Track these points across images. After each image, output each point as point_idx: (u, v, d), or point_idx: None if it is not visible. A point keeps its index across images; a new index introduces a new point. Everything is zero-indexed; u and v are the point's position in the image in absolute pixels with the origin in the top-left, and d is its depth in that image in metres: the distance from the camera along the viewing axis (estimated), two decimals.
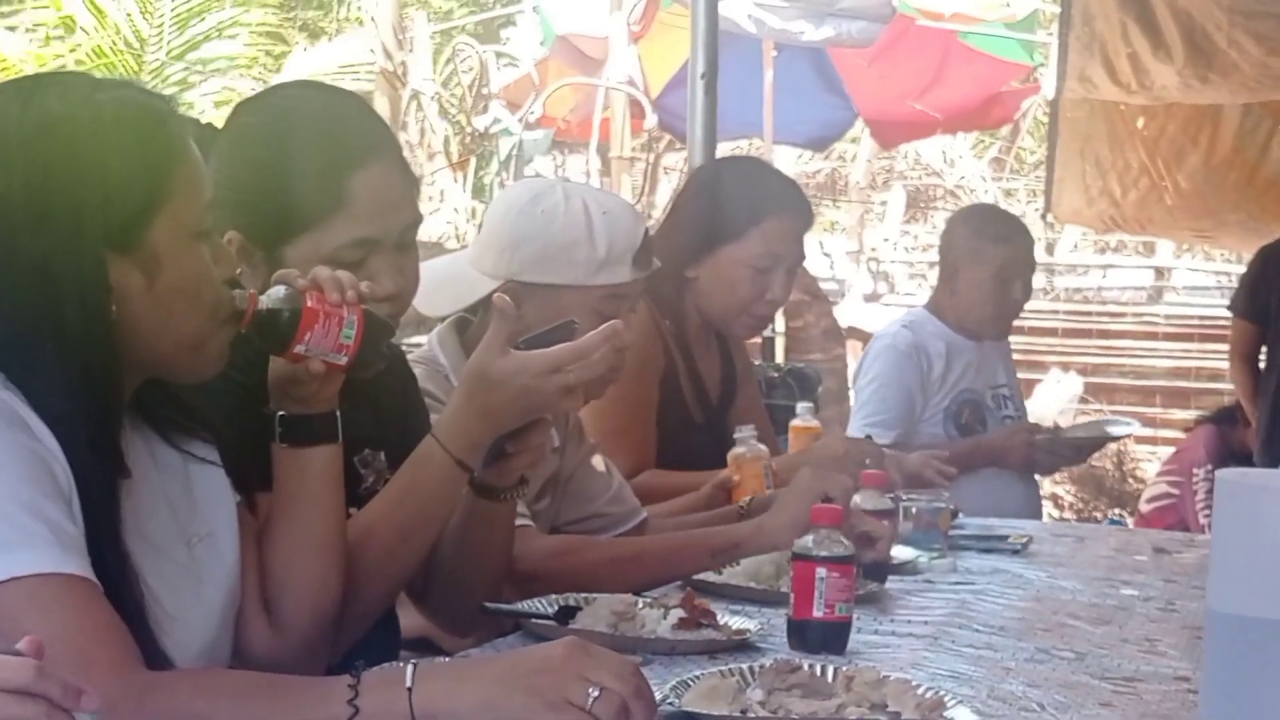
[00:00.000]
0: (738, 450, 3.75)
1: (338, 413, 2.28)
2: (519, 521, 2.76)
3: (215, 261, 2.09)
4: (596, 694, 1.82)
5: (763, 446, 3.78)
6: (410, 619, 2.78)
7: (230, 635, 2.21)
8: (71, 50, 12.05)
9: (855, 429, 5.00)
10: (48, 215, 1.96)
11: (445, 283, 3.12)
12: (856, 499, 3.22)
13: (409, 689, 1.84)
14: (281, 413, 2.26)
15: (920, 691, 2.19)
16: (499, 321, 2.43)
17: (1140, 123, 8.42)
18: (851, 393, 5.60)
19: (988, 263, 5.21)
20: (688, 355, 4.05)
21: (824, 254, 16.83)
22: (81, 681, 1.49)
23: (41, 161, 1.97)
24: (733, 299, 4.04)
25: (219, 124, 2.69)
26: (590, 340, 2.44)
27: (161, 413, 2.18)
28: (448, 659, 2.03)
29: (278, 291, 2.15)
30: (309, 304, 2.15)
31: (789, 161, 17.96)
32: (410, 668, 1.86)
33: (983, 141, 20.20)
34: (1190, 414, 10.05)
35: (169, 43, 12.72)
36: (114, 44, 12.56)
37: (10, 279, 1.92)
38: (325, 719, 1.82)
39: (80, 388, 1.96)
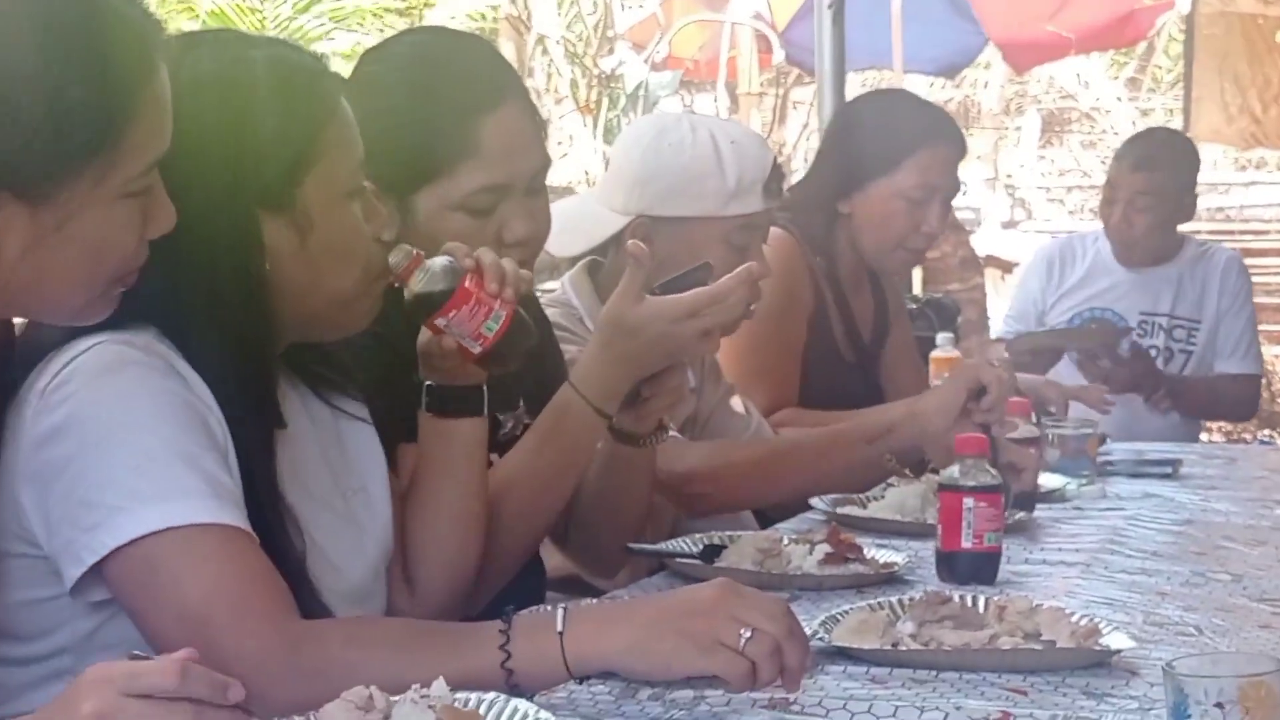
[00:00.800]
0: (936, 352, 3.71)
1: (484, 387, 2.26)
2: (669, 434, 2.73)
3: (368, 219, 2.09)
4: (749, 635, 1.79)
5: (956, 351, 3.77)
6: (556, 559, 2.78)
7: (384, 588, 2.22)
8: (185, 10, 12.12)
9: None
10: (202, 173, 1.95)
11: (574, 222, 3.10)
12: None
13: (560, 633, 1.82)
14: (429, 382, 2.25)
15: (1074, 619, 2.15)
16: (633, 268, 2.41)
17: (1278, 36, 8.25)
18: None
19: (1113, 191, 5.28)
20: (839, 294, 4.01)
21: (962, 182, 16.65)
22: (227, 676, 1.49)
23: (196, 119, 1.94)
24: (888, 233, 3.98)
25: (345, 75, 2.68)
26: (725, 284, 2.42)
27: (313, 368, 2.19)
28: (597, 601, 2.01)
29: (440, 261, 2.13)
30: (466, 284, 2.12)
31: (920, 90, 17.78)
32: (561, 611, 1.84)
33: (1117, 62, 19.87)
34: None
35: None
36: (235, 2, 12.63)
37: (167, 236, 1.92)
38: (479, 665, 1.81)
39: (234, 343, 1.97)
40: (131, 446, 1.85)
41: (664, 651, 1.80)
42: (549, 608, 1.90)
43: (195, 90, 1.97)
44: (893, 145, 3.98)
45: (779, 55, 10.66)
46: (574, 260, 3.23)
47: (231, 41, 2.10)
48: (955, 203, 4.27)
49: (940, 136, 4.05)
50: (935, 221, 4.00)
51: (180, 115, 1.89)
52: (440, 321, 2.13)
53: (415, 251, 2.12)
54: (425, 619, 2.22)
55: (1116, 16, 11.48)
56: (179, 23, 11.93)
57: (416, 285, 2.12)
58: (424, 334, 2.21)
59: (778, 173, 3.22)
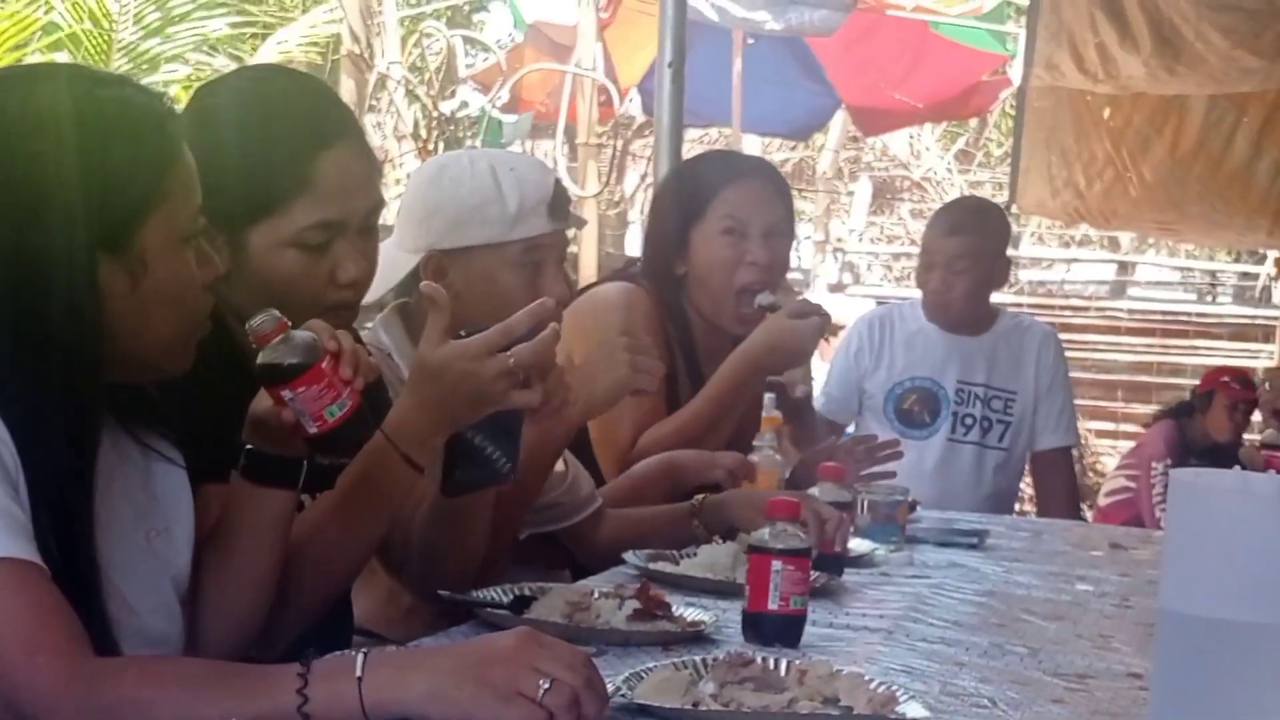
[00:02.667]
0: (753, 458, 3.71)
1: (304, 462, 2.22)
2: None
3: (200, 265, 2.08)
4: (547, 685, 1.80)
5: (779, 457, 3.73)
6: (359, 608, 2.77)
7: (181, 630, 2.20)
8: (30, 26, 11.93)
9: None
10: (41, 211, 1.94)
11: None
12: (814, 491, 3.22)
13: (359, 679, 1.82)
14: (250, 446, 2.22)
15: (873, 686, 2.19)
16: (433, 311, 2.42)
17: (1106, 113, 8.42)
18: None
19: (931, 254, 5.32)
20: (691, 359, 4.04)
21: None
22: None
23: (39, 156, 1.95)
24: (716, 276, 3.99)
25: (183, 101, 2.67)
26: (517, 317, 2.43)
27: (126, 406, 2.17)
28: (397, 648, 2.01)
29: (303, 335, 2.12)
30: (322, 364, 2.11)
31: (755, 150, 17.94)
32: (360, 656, 1.84)
33: (950, 133, 20.20)
34: (1152, 408, 10.09)
35: (138, 20, 12.62)
36: (79, 18, 12.45)
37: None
38: (275, 708, 1.80)
39: (58, 382, 1.94)
40: None
41: (462, 699, 1.81)
42: (351, 652, 1.89)
43: (40, 127, 1.97)
44: (700, 193, 4.02)
45: (633, 105, 10.73)
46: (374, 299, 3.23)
47: (79, 78, 2.08)
48: None
49: (743, 173, 4.10)
50: (760, 253, 3.98)
51: (25, 151, 1.89)
52: (286, 394, 2.11)
53: (281, 319, 2.11)
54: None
55: (963, 88, 11.70)
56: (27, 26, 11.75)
57: (273, 353, 2.11)
58: (263, 400, 2.17)
59: (562, 194, 3.22)
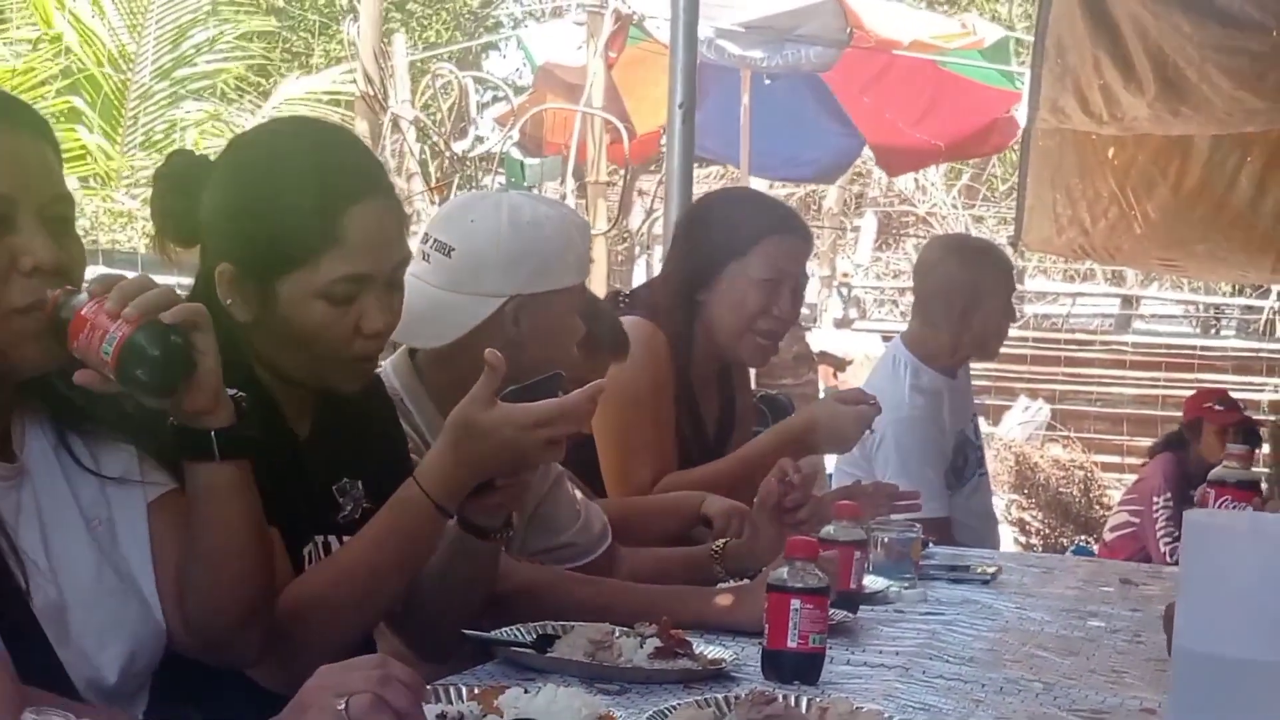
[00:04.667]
0: None
1: (212, 433, 2.19)
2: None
3: (21, 249, 2.10)
4: (343, 704, 1.87)
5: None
6: (385, 647, 2.80)
7: (139, 615, 2.24)
8: (53, 64, 12.05)
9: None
10: None
11: (432, 313, 3.09)
12: (830, 529, 3.26)
13: None
14: (171, 421, 2.22)
15: None
16: (487, 374, 2.46)
17: (1110, 153, 8.46)
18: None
19: (999, 294, 5.21)
20: (689, 393, 4.12)
21: None
22: None
23: None
24: (741, 315, 4.07)
25: (199, 147, 2.72)
26: (576, 398, 2.49)
27: (71, 406, 2.22)
28: None
29: (70, 294, 2.10)
30: (82, 311, 2.07)
31: (762, 189, 18.00)
32: None
33: (955, 170, 20.26)
34: None
35: (154, 62, 12.73)
36: (99, 61, 12.55)
37: None
38: None
39: None
40: None
41: None
42: None
43: None
44: (744, 232, 4.10)
45: (627, 149, 10.80)
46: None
47: None
48: None
49: (788, 227, 4.18)
50: (785, 306, 4.10)
51: None
52: (75, 354, 2.09)
53: (55, 293, 2.10)
54: (202, 650, 2.30)
55: (980, 126, 11.74)
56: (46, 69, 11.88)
57: (51, 321, 2.09)
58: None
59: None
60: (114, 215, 11.78)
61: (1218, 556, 1.85)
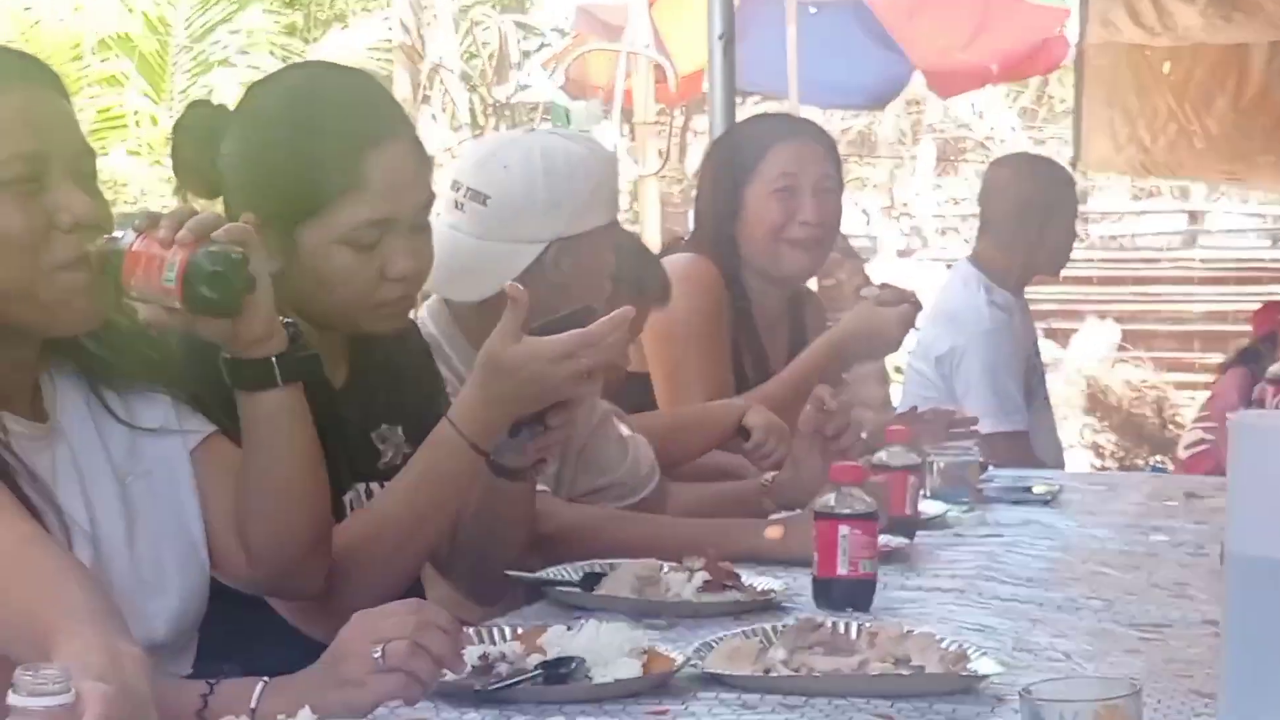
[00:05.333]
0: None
1: (273, 359, 2.18)
2: (538, 487, 2.76)
3: (58, 206, 2.07)
4: (379, 652, 1.88)
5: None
6: (435, 593, 2.78)
7: (181, 566, 2.22)
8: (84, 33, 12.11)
9: (984, 426, 4.69)
10: None
11: (475, 263, 3.06)
12: (881, 454, 3.22)
13: (252, 709, 1.91)
14: (225, 355, 2.21)
15: (944, 645, 2.19)
16: (511, 308, 2.43)
17: (1166, 67, 8.37)
18: (911, 355, 5.49)
19: (1067, 210, 5.23)
20: (749, 326, 4.06)
21: (860, 211, 16.82)
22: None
23: None
24: (767, 230, 4.01)
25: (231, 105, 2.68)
26: (601, 326, 2.45)
27: (101, 362, 2.20)
28: (298, 674, 2.03)
29: (116, 236, 2.09)
30: (133, 247, 2.07)
31: (815, 119, 17.87)
32: (260, 685, 1.92)
33: (1013, 91, 20.10)
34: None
35: (191, 24, 12.76)
36: (141, 27, 12.60)
37: None
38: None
39: None
40: None
41: (337, 707, 1.87)
42: (254, 681, 1.95)
43: None
44: (751, 150, 4.05)
45: (673, 85, 10.74)
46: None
47: None
48: (850, 230, 4.30)
49: (792, 133, 4.13)
50: (810, 211, 4.00)
51: None
52: (133, 293, 2.10)
53: (105, 239, 2.09)
54: (266, 582, 2.31)
55: (1032, 44, 11.62)
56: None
57: (104, 263, 2.08)
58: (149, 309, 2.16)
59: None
60: (164, 180, 11.82)
61: (1267, 458, 1.80)
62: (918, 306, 3.97)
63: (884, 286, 4.11)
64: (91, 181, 2.16)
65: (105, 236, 2.09)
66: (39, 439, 2.12)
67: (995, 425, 4.86)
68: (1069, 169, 5.56)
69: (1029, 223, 5.14)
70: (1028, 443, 4.93)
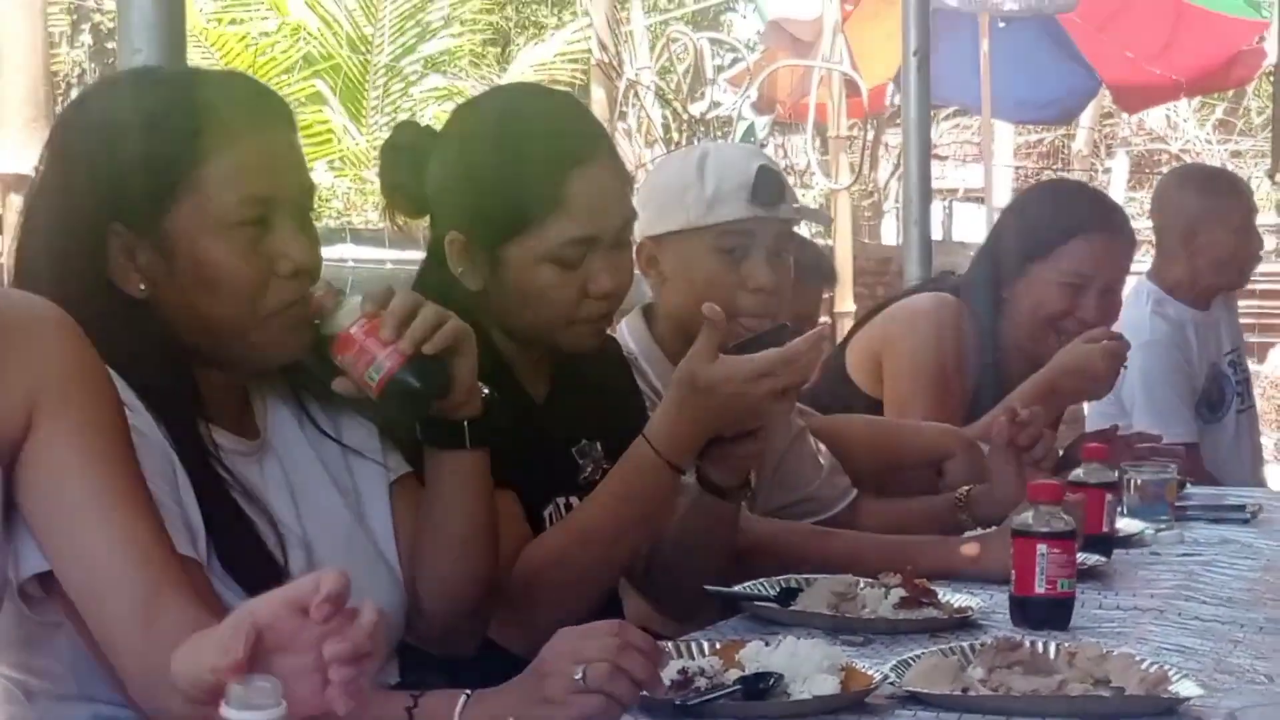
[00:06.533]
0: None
1: (465, 424, 2.22)
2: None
3: (280, 253, 2.11)
4: (580, 674, 1.89)
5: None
6: (632, 606, 2.82)
7: (384, 583, 2.26)
8: (287, 56, 12.33)
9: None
10: (65, 190, 2.10)
11: None
12: (1079, 472, 3.20)
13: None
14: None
15: (1144, 665, 2.18)
16: (708, 329, 2.45)
17: None
18: None
19: (1227, 219, 5.09)
20: (996, 378, 4.01)
21: None
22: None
23: (73, 144, 2.12)
24: (1039, 316, 3.98)
25: (440, 120, 2.74)
26: (797, 346, 2.46)
27: (312, 379, 2.24)
28: (499, 688, 2.06)
29: (345, 302, 2.14)
30: (351, 329, 2.11)
31: (1007, 134, 17.73)
32: (464, 698, 1.94)
33: (1208, 104, 19.77)
34: None
35: (392, 42, 12.95)
36: (339, 44, 12.81)
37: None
38: None
39: (135, 363, 2.04)
40: None
41: None
42: (458, 693, 1.96)
43: (94, 120, 2.13)
44: (1051, 231, 3.99)
45: (866, 101, 10.74)
46: None
47: (145, 79, 2.25)
48: None
49: (1097, 226, 4.04)
50: (1091, 311, 3.97)
51: (80, 142, 2.10)
52: (339, 362, 2.14)
53: (332, 289, 2.14)
54: (429, 637, 2.32)
55: (1223, 58, 11.46)
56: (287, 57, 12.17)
57: (323, 324, 2.13)
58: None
59: (769, 180, 3.13)
60: (365, 195, 12.01)
61: None
62: (1126, 344, 3.91)
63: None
64: (309, 220, 2.21)
65: (331, 289, 2.15)
66: (250, 454, 2.18)
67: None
68: (1240, 179, 5.43)
69: (1179, 232, 5.08)
70: (1195, 455, 4.85)
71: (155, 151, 2.07)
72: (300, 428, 2.26)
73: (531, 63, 13.65)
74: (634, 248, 3.12)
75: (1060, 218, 4.04)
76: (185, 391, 2.12)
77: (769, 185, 3.12)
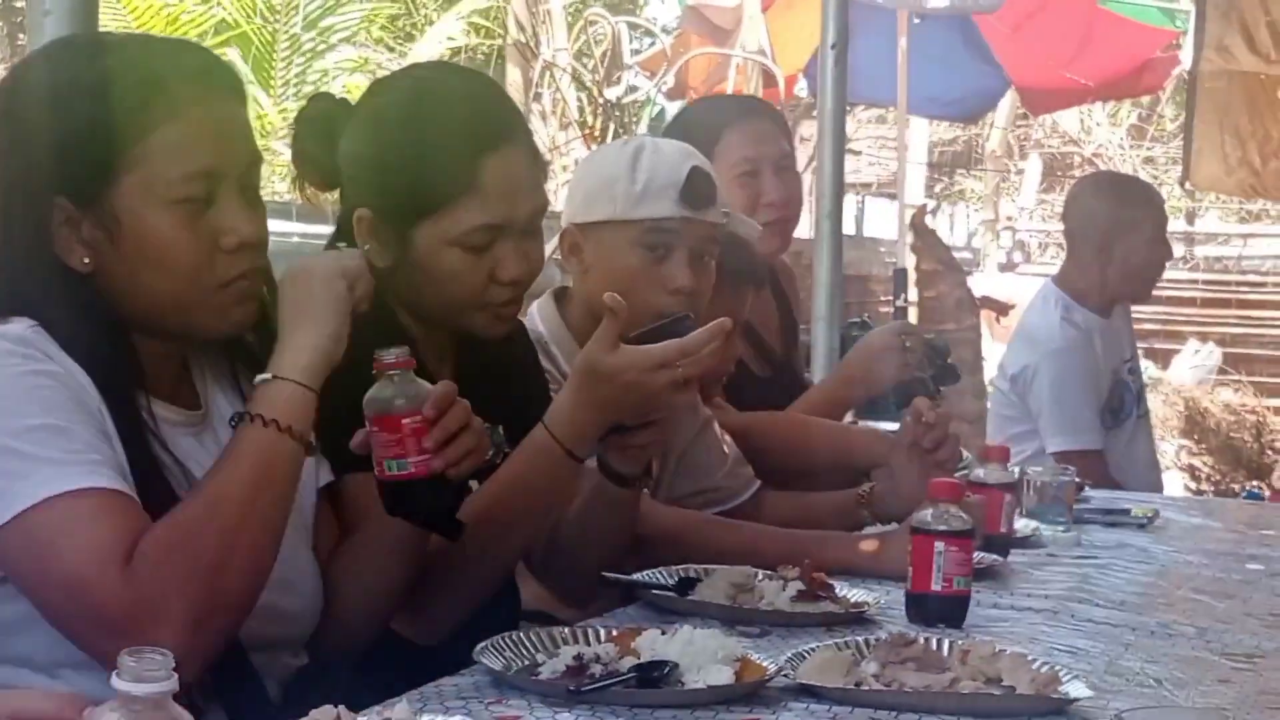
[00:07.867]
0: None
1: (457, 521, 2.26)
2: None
3: (226, 227, 2.10)
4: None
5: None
6: (530, 590, 2.81)
7: (308, 574, 2.27)
8: (204, 24, 12.20)
9: (1053, 444, 4.97)
10: (9, 165, 2.09)
11: None
12: (979, 471, 3.22)
13: None
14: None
15: (1036, 665, 2.20)
16: (609, 317, 2.44)
17: None
18: (995, 374, 5.47)
19: (1141, 229, 5.14)
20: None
21: (960, 224, 16.75)
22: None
23: (15, 117, 2.10)
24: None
25: (351, 93, 2.71)
26: (698, 337, 2.45)
27: (251, 355, 2.24)
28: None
29: (414, 387, 2.14)
30: (403, 419, 2.12)
31: (922, 130, 17.83)
32: None
33: (1121, 109, 19.95)
34: None
35: (304, 10, 12.83)
36: (249, 13, 12.68)
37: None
38: None
39: (81, 331, 2.05)
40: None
41: None
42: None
43: (35, 92, 2.11)
44: (705, 134, 3.87)
45: (801, 86, 10.75)
46: None
47: (86, 48, 2.20)
48: (952, 243, 4.26)
49: (747, 112, 4.11)
50: (775, 193, 3.98)
51: (19, 112, 2.08)
52: (370, 429, 2.14)
53: (407, 359, 2.14)
54: (333, 645, 2.31)
55: (1134, 65, 11.57)
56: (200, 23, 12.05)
57: (376, 385, 2.13)
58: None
59: (700, 182, 3.11)
60: (273, 167, 11.90)
61: None
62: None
63: (984, 299, 4.09)
64: (255, 193, 2.20)
65: (401, 357, 2.14)
66: (190, 425, 2.18)
67: (1064, 444, 4.89)
68: (1153, 188, 5.48)
69: (1093, 240, 5.14)
70: (1101, 462, 4.90)
71: (99, 123, 2.06)
72: (240, 401, 2.22)
73: (441, 35, 13.52)
74: (559, 233, 3.12)
75: (706, 123, 4.01)
76: (124, 364, 2.10)
77: (699, 187, 3.11)
